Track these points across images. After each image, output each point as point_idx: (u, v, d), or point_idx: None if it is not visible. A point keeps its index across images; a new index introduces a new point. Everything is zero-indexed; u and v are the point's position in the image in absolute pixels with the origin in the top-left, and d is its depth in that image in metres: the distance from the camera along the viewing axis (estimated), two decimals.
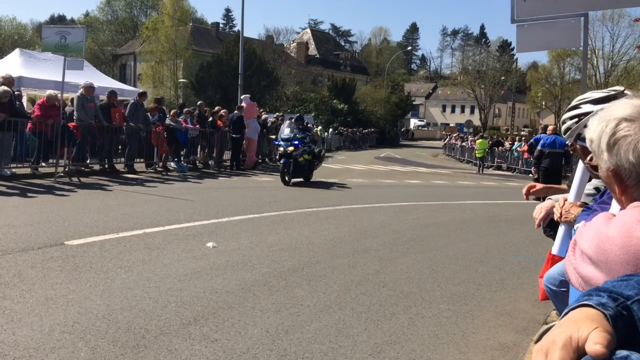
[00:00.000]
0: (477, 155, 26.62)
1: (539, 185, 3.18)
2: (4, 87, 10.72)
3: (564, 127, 2.38)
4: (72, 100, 12.94)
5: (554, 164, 11.47)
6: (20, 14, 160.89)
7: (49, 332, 3.42)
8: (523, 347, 3.79)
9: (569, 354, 0.75)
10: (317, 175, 14.45)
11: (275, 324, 3.84)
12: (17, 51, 18.83)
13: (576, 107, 2.32)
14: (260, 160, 19.13)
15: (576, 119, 2.25)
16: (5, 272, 4.62)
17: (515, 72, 69.51)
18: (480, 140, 27.34)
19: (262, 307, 4.16)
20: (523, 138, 30.34)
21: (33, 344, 3.24)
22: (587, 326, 0.77)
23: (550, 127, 12.55)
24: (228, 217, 7.98)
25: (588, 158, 1.52)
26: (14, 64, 16.81)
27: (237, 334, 3.61)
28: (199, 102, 17.98)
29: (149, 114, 14.50)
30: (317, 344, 3.53)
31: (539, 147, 11.70)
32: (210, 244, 6.04)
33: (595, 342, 0.74)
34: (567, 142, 2.56)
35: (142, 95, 14.76)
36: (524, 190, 3.11)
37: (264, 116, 20.78)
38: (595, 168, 1.23)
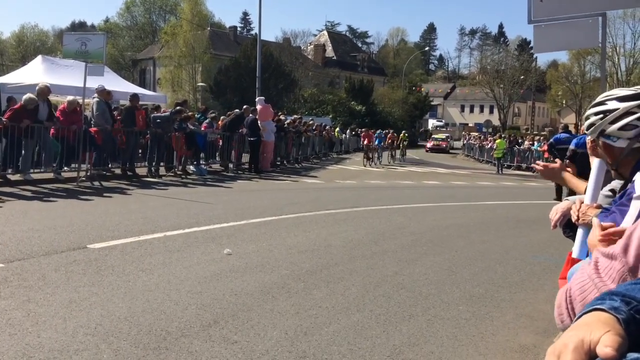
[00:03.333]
0: (495, 155, 26.42)
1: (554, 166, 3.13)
2: (30, 95, 10.91)
3: (587, 123, 2.35)
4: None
5: (585, 164, 10.96)
6: (42, 21, 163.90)
7: (72, 335, 3.49)
8: (543, 349, 3.76)
9: (580, 356, 0.76)
10: (335, 177, 14.46)
11: (294, 325, 3.86)
12: (39, 58, 19.14)
13: (602, 103, 2.29)
14: (278, 163, 19.21)
15: (601, 115, 2.21)
16: (29, 275, 4.72)
17: (534, 71, 68.66)
18: (499, 140, 27.13)
19: (280, 309, 4.19)
20: (542, 138, 29.98)
21: (57, 346, 3.31)
22: (598, 329, 0.78)
23: (583, 128, 12.06)
24: (247, 219, 8.03)
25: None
26: (36, 71, 17.12)
27: (256, 335, 3.65)
28: (245, 107, 17.77)
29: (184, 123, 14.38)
30: (335, 346, 3.55)
31: (571, 147, 10.98)
32: (226, 251, 5.96)
33: (606, 345, 0.75)
34: (587, 139, 2.53)
35: (179, 112, 14.51)
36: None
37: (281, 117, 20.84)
38: (614, 163, 1.22)
